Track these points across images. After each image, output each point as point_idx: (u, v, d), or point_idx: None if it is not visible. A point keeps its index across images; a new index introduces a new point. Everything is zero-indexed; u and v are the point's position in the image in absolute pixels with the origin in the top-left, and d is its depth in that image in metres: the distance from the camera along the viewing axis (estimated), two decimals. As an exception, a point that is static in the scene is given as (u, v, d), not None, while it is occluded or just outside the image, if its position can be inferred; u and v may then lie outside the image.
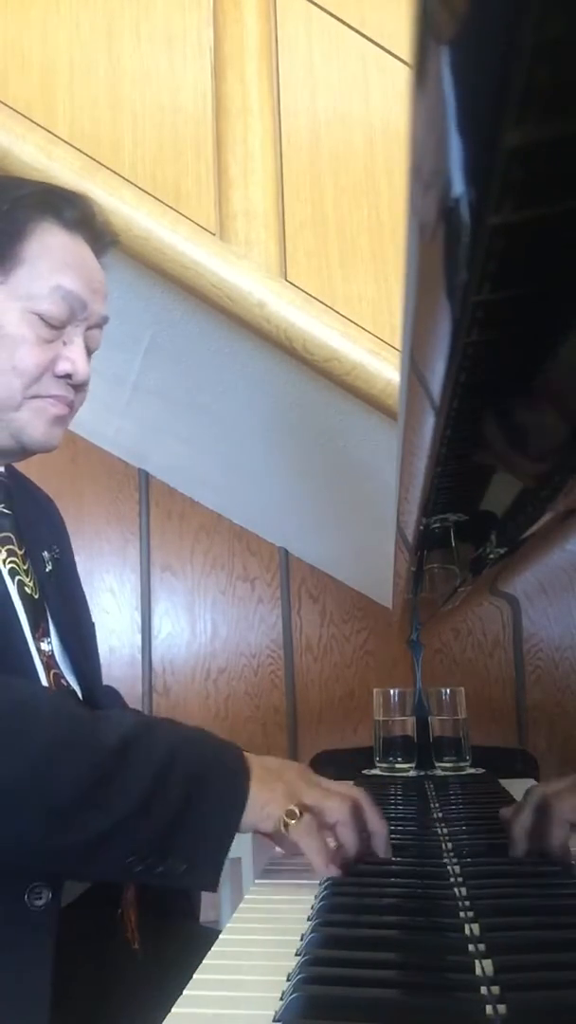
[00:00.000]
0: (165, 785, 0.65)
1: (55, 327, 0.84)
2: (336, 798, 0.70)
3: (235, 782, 0.69)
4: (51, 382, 0.85)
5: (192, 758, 0.68)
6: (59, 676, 0.85)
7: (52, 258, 0.84)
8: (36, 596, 0.86)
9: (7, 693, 0.67)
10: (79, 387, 0.87)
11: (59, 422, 0.87)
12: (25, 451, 0.88)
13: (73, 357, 0.85)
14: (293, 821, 0.68)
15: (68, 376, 0.85)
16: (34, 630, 0.83)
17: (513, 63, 0.18)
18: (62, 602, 0.91)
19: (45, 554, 0.92)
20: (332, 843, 0.70)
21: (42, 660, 0.82)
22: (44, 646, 0.84)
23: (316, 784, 0.72)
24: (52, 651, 0.85)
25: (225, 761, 0.71)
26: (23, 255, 0.83)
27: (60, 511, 1.05)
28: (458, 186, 0.23)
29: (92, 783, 0.64)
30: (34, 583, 0.87)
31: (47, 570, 0.91)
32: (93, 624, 1.01)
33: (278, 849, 0.76)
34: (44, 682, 0.81)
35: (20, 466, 1.01)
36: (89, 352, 0.89)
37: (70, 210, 0.86)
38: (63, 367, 0.85)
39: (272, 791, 0.69)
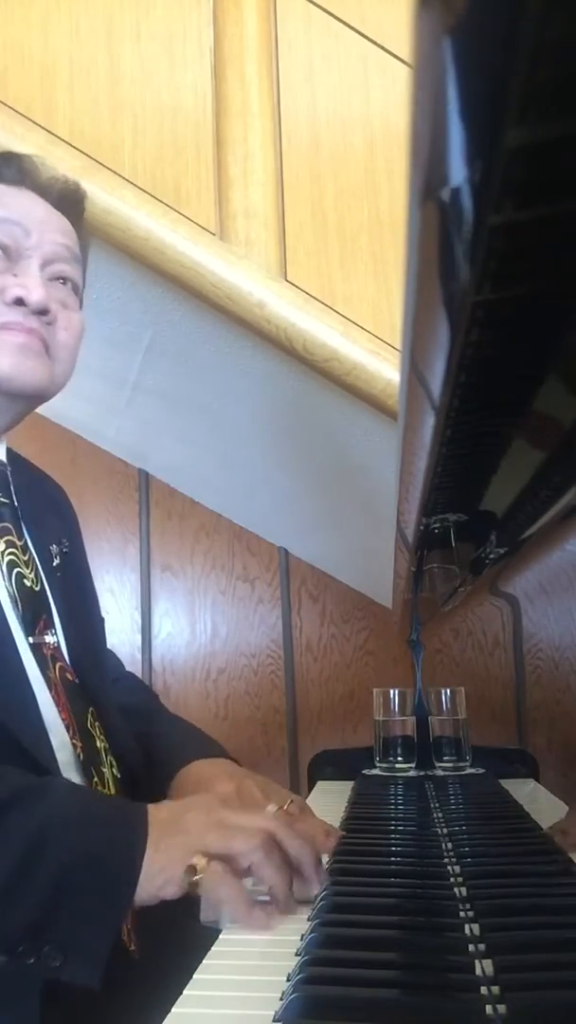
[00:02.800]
0: (32, 870, 0.59)
1: (2, 257, 0.84)
2: (241, 837, 0.63)
3: (123, 860, 0.61)
4: (4, 310, 0.83)
5: (66, 841, 0.61)
6: (64, 669, 0.84)
7: None
8: (37, 589, 0.86)
9: None
10: (44, 316, 0.85)
11: (26, 352, 0.83)
12: (5, 393, 0.85)
13: (24, 282, 0.84)
14: (198, 877, 0.60)
15: (21, 302, 0.83)
16: (33, 624, 0.82)
17: (513, 63, 0.18)
18: (69, 595, 0.90)
19: (53, 547, 0.91)
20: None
21: (45, 653, 0.81)
22: (48, 639, 0.83)
23: (221, 824, 0.64)
24: (57, 643, 0.85)
25: (112, 837, 0.63)
26: None
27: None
28: (458, 186, 0.23)
29: None
30: (35, 576, 0.86)
31: (54, 564, 0.90)
32: (103, 619, 1.00)
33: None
34: (40, 677, 0.80)
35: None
36: (68, 285, 0.88)
37: (8, 169, 0.88)
38: (12, 293, 0.83)
39: (168, 851, 0.62)
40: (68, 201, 0.93)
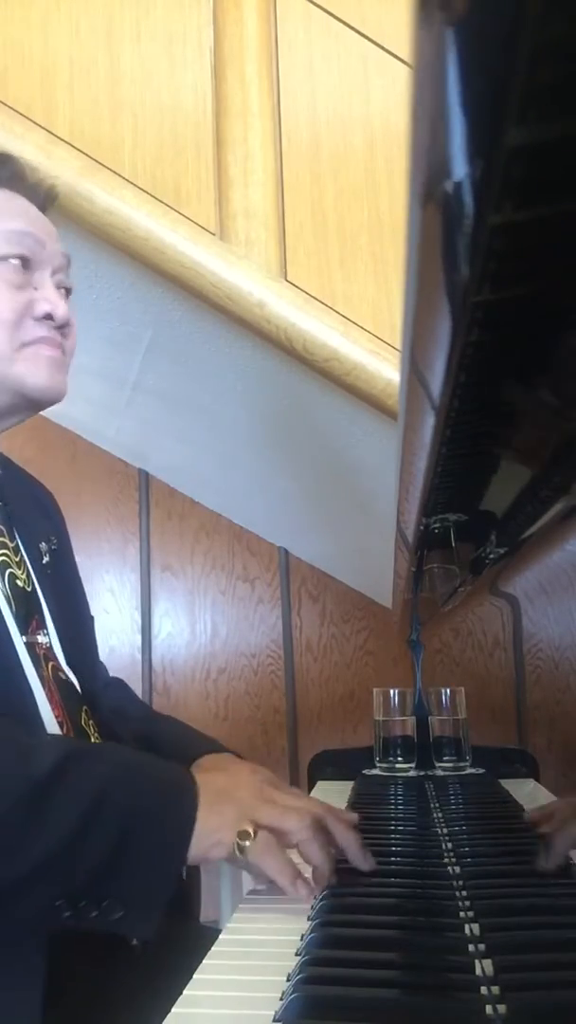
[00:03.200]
0: (94, 825, 0.60)
1: (21, 270, 0.84)
2: (294, 815, 0.66)
3: (178, 817, 0.64)
4: (34, 326, 0.85)
5: (127, 794, 0.63)
6: (57, 668, 0.84)
7: None
8: (29, 589, 0.86)
9: None
10: (63, 328, 0.87)
11: (57, 366, 0.86)
12: (33, 404, 0.87)
13: (48, 297, 0.85)
14: (248, 842, 0.63)
15: (49, 317, 0.85)
16: (26, 624, 0.82)
17: (513, 63, 0.18)
18: (59, 594, 0.90)
19: (42, 545, 0.91)
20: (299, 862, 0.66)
21: (38, 653, 0.82)
22: (41, 639, 0.83)
23: (272, 800, 0.67)
24: (49, 643, 0.85)
25: (167, 793, 0.65)
26: None
27: (60, 510, 1.05)
28: (458, 186, 0.23)
29: (12, 822, 0.59)
30: (27, 576, 0.86)
31: (44, 562, 0.90)
32: (92, 617, 1.00)
33: (257, 885, 0.70)
34: (36, 677, 0.80)
35: (21, 466, 1.01)
36: (67, 292, 0.90)
37: (3, 170, 0.88)
38: (41, 308, 0.85)
39: (221, 815, 0.64)
40: (51, 203, 0.94)
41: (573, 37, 0.17)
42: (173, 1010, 0.47)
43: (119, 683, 1.08)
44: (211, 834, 0.64)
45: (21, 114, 1.31)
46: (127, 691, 1.10)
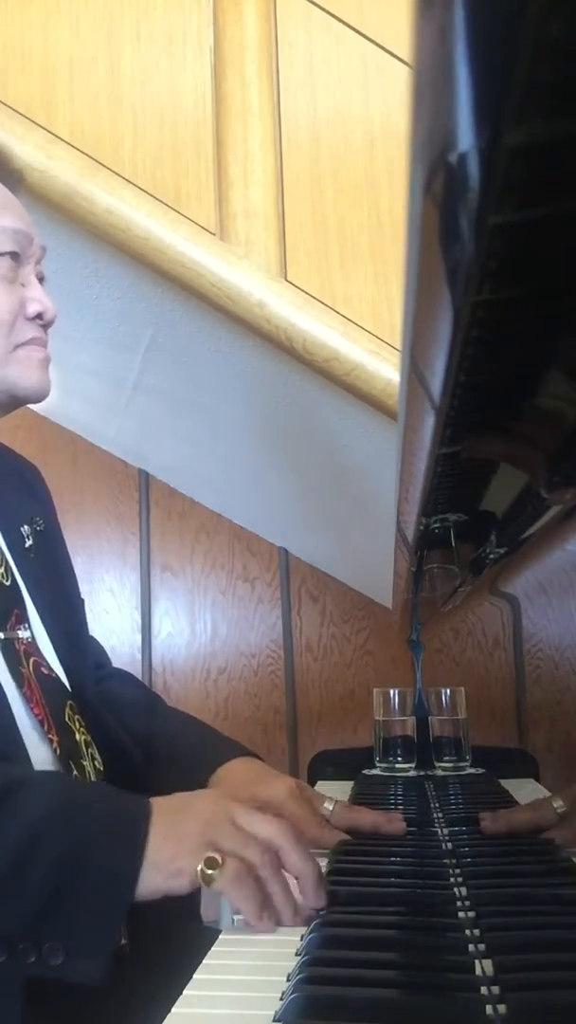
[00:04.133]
0: (27, 868, 0.57)
1: (13, 263, 0.84)
2: (255, 847, 0.60)
3: (122, 852, 0.59)
4: (26, 327, 0.84)
5: (64, 832, 0.59)
6: (39, 663, 0.82)
7: None
8: (8, 583, 0.84)
9: None
10: (48, 326, 0.87)
11: (47, 366, 0.86)
12: (19, 403, 0.87)
13: (38, 296, 0.85)
14: (215, 871, 0.58)
15: (39, 316, 0.85)
16: (3, 620, 0.80)
17: (513, 63, 0.18)
18: (44, 579, 0.89)
19: (25, 528, 0.90)
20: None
21: (17, 650, 0.80)
22: (21, 634, 0.81)
23: (231, 823, 0.62)
24: (31, 637, 0.83)
25: (110, 827, 0.61)
26: None
27: (59, 512, 1.03)
28: (458, 186, 0.23)
29: None
30: (5, 570, 0.85)
31: (26, 545, 0.89)
32: (83, 601, 0.98)
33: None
34: (9, 675, 0.78)
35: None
36: (41, 281, 0.89)
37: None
38: (33, 308, 0.84)
39: (179, 842, 0.60)
40: (14, 181, 0.92)
41: (573, 37, 0.17)
42: (173, 1010, 0.47)
43: (123, 672, 1.06)
44: (167, 864, 0.59)
45: (21, 114, 1.31)
46: (131, 678, 1.07)
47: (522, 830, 0.80)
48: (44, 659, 0.84)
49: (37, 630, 0.85)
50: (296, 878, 0.61)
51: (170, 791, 0.67)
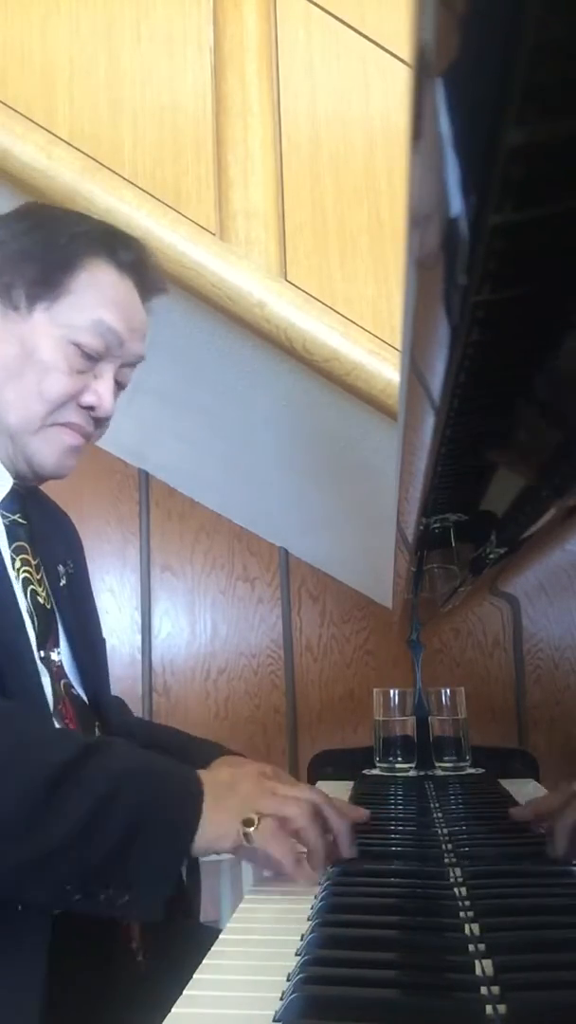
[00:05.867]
0: (105, 816, 0.63)
1: (89, 359, 0.84)
2: (293, 803, 0.70)
3: (184, 811, 0.67)
4: (72, 411, 0.85)
5: (137, 788, 0.66)
6: (69, 686, 0.85)
7: (98, 293, 0.84)
8: (49, 607, 0.86)
9: None
10: (99, 421, 0.87)
11: (73, 452, 0.86)
12: (36, 477, 0.88)
13: (100, 391, 0.85)
14: (252, 829, 0.66)
15: (91, 408, 0.85)
16: (44, 640, 0.83)
17: (513, 63, 0.18)
18: (74, 614, 0.91)
19: (60, 568, 0.92)
20: (299, 848, 0.70)
21: (51, 670, 0.82)
22: (54, 656, 0.84)
23: (271, 792, 0.71)
24: (61, 661, 0.85)
25: (174, 789, 0.69)
26: (71, 286, 0.83)
27: (55, 501, 1.05)
28: (458, 186, 0.23)
29: (28, 807, 0.62)
30: (47, 593, 0.87)
31: (61, 584, 0.91)
32: (104, 640, 1.01)
33: (265, 873, 0.74)
34: (50, 691, 0.81)
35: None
36: (120, 388, 0.90)
37: (125, 252, 0.86)
38: (88, 399, 0.85)
39: (226, 809, 0.68)
40: (152, 293, 0.92)
41: (573, 37, 0.17)
42: (173, 1010, 0.47)
43: (120, 702, 1.09)
44: (216, 827, 0.67)
45: (21, 114, 1.31)
46: (128, 710, 1.11)
47: (545, 814, 0.85)
48: (71, 682, 0.86)
49: (66, 656, 0.88)
50: (334, 833, 0.71)
51: None
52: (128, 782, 0.66)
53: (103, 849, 0.63)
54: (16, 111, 1.31)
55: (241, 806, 0.68)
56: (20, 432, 0.83)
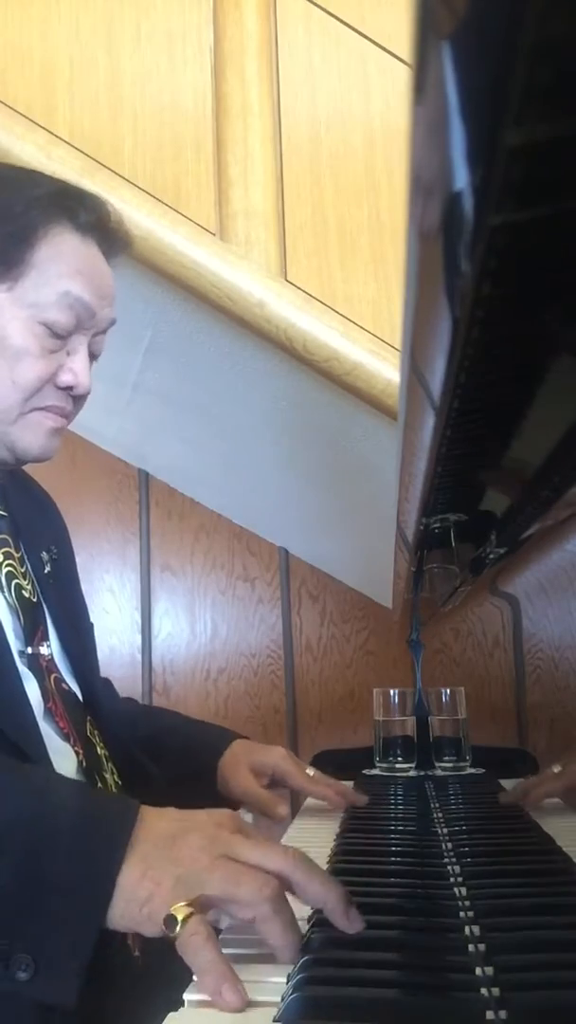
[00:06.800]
0: None
1: (60, 337, 0.81)
2: (249, 883, 0.52)
3: (94, 878, 0.52)
4: (51, 393, 0.82)
5: (37, 833, 0.54)
6: (59, 680, 0.84)
7: (62, 263, 0.80)
8: (35, 600, 0.86)
9: None
10: (78, 399, 0.84)
11: (56, 434, 0.84)
12: (19, 462, 0.85)
13: (76, 368, 0.82)
14: (174, 931, 0.50)
15: (69, 388, 0.82)
16: (31, 635, 0.82)
17: (513, 62, 0.18)
18: (60, 601, 0.90)
19: (44, 555, 0.91)
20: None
21: (40, 665, 0.82)
22: (43, 650, 0.83)
23: (226, 860, 0.53)
24: (51, 655, 0.85)
25: (84, 848, 0.54)
26: (32, 260, 0.79)
27: (60, 511, 1.05)
28: (458, 186, 0.23)
29: None
30: (32, 587, 0.86)
31: (45, 571, 0.90)
32: (92, 625, 1.00)
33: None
34: (39, 690, 0.80)
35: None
36: (93, 358, 0.86)
37: (85, 213, 0.83)
38: (65, 379, 0.81)
39: (156, 882, 0.52)
40: (117, 249, 0.88)
41: (573, 37, 0.17)
42: (173, 1011, 0.47)
43: (106, 683, 1.08)
44: (141, 906, 0.52)
45: (21, 114, 1.31)
46: (114, 692, 1.11)
47: (535, 799, 0.94)
48: (62, 676, 0.85)
49: (55, 648, 0.87)
50: (322, 906, 0.55)
51: (186, 779, 0.70)
52: (15, 832, 0.54)
53: None
54: (16, 111, 1.31)
55: (176, 882, 0.52)
56: (0, 423, 0.81)
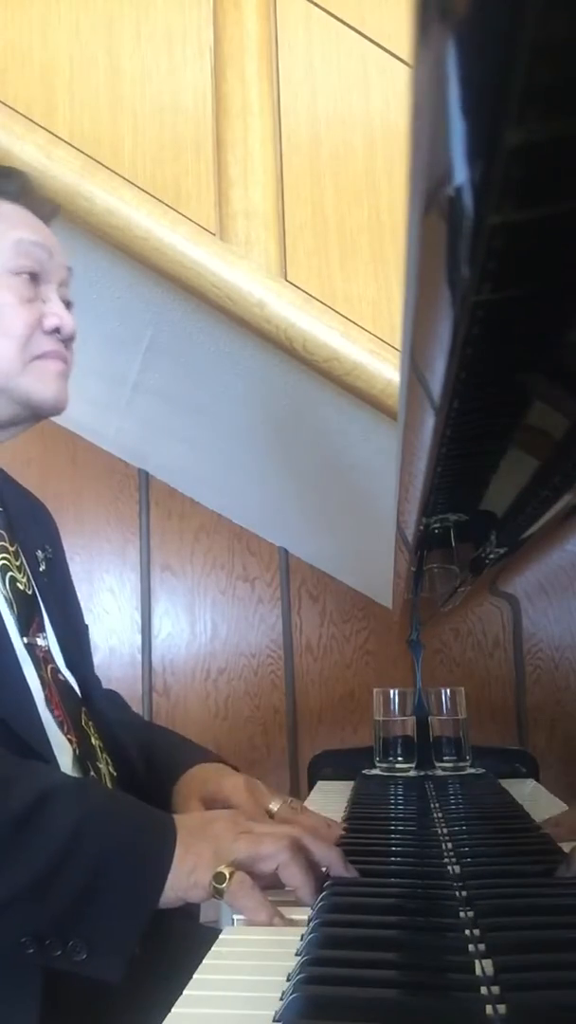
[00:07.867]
0: (65, 866, 0.60)
1: (31, 282, 0.87)
2: (269, 841, 0.66)
3: (153, 860, 0.64)
4: (43, 340, 0.87)
5: (102, 836, 0.63)
6: (56, 671, 0.85)
7: (4, 222, 0.87)
8: (30, 592, 0.86)
9: None
10: (68, 341, 0.90)
11: (63, 379, 0.89)
12: (36, 415, 0.89)
13: (57, 311, 0.88)
14: (223, 886, 0.63)
15: (57, 330, 0.87)
16: (27, 626, 0.83)
17: (513, 63, 0.18)
18: (55, 600, 0.91)
19: (39, 553, 0.93)
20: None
21: (37, 655, 0.83)
22: (40, 642, 0.84)
23: (247, 831, 0.67)
24: (48, 647, 0.86)
25: (143, 836, 0.65)
26: None
27: (59, 511, 1.06)
28: (458, 186, 0.23)
29: None
30: (27, 580, 0.87)
31: (40, 569, 0.91)
32: (87, 627, 1.01)
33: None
34: (37, 679, 0.81)
35: (22, 466, 1.02)
36: (69, 307, 0.92)
37: (7, 182, 0.91)
38: (51, 322, 0.87)
39: (198, 855, 0.64)
40: (54, 216, 0.96)
41: (573, 37, 0.17)
42: (173, 1010, 0.47)
43: (114, 695, 1.09)
44: (188, 875, 0.64)
45: (21, 114, 1.31)
46: (122, 700, 1.11)
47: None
48: (58, 667, 0.87)
49: (51, 640, 0.88)
50: (327, 863, 0.67)
51: (146, 797, 0.71)
52: (90, 830, 0.63)
53: (61, 903, 0.60)
54: (16, 111, 1.31)
55: (213, 853, 0.64)
56: (7, 378, 0.85)
